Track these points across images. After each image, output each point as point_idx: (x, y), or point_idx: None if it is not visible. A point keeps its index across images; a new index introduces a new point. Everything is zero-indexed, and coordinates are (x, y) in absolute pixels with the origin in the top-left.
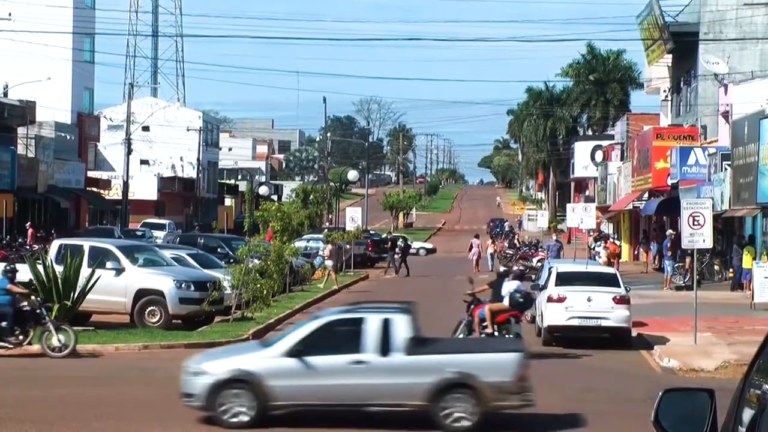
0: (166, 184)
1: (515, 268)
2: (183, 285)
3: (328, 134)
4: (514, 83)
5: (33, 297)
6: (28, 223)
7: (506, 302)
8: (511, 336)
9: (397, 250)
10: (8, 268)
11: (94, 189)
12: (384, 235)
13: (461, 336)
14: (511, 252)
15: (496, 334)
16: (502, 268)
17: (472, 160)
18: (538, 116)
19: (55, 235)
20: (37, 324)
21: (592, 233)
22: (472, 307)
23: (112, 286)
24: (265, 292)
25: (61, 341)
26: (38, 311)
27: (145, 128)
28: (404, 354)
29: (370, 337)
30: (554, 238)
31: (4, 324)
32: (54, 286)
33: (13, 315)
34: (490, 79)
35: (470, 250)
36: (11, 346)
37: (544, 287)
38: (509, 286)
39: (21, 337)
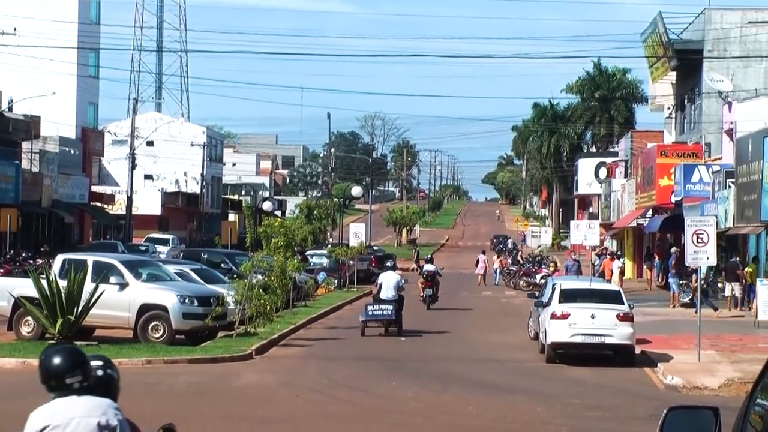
0: (169, 199)
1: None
2: (186, 300)
3: (332, 150)
4: (518, 100)
5: None
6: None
7: None
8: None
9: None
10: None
11: (98, 204)
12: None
13: None
14: (515, 268)
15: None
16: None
17: (476, 176)
18: (542, 133)
19: (48, 249)
20: None
21: (598, 250)
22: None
23: (116, 301)
24: (268, 307)
25: None
26: None
27: (149, 143)
28: None
29: None
30: (573, 257)
31: None
32: (57, 301)
33: None
34: (494, 96)
35: (477, 265)
36: None
37: (548, 304)
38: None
39: None
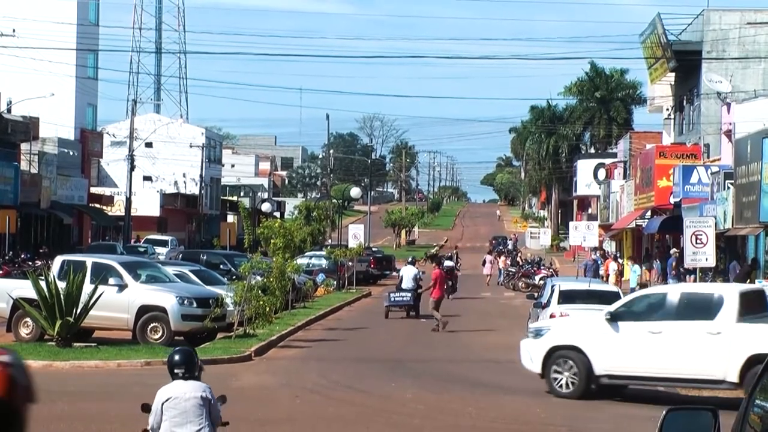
0: (168, 201)
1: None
2: (185, 301)
3: (331, 151)
4: (517, 101)
5: None
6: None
7: None
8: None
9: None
10: None
11: (97, 205)
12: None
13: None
14: (514, 270)
15: None
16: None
17: (474, 177)
18: (540, 134)
19: (47, 251)
20: None
21: (598, 251)
22: None
23: (115, 303)
24: (267, 308)
25: None
26: None
27: (148, 144)
28: None
29: None
30: (592, 256)
31: None
32: (56, 303)
33: None
34: (493, 97)
35: (483, 265)
36: None
37: (547, 305)
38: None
39: None
